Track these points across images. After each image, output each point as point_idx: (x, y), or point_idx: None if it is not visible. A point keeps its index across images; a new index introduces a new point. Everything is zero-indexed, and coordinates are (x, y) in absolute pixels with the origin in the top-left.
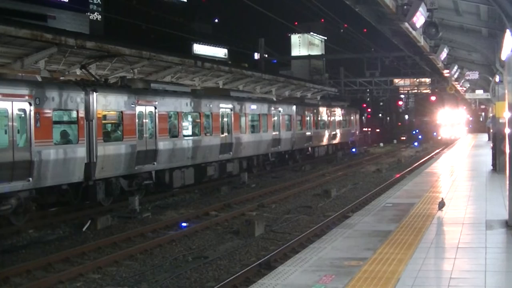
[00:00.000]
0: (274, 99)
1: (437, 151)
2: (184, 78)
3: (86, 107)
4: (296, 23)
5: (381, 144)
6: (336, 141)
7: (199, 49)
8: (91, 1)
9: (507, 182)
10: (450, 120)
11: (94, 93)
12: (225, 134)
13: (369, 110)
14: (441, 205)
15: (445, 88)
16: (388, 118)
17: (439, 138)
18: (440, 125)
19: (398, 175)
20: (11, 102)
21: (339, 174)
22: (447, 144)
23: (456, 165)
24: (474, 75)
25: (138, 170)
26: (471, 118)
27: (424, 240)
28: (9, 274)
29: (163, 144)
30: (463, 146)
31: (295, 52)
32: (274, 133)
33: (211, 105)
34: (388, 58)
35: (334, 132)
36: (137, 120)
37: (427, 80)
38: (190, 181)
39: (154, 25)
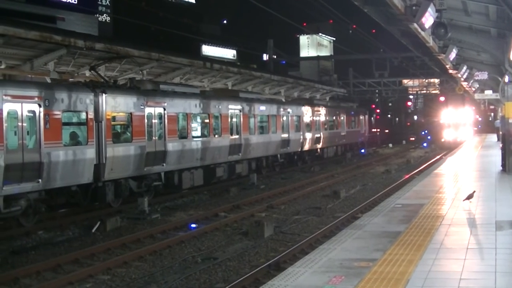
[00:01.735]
0: (283, 100)
1: (446, 151)
2: (193, 79)
3: (95, 108)
4: (304, 24)
5: (390, 145)
6: (345, 142)
7: (208, 50)
8: (100, 3)
9: None
10: (454, 120)
11: (103, 94)
12: (234, 135)
13: (378, 110)
14: (470, 196)
15: (454, 89)
16: (397, 118)
17: (443, 140)
18: (444, 126)
19: (407, 176)
20: (20, 104)
21: (348, 175)
22: (450, 149)
23: (465, 165)
24: (483, 76)
25: (147, 171)
26: (480, 119)
27: (434, 241)
28: (19, 275)
29: (172, 146)
30: (472, 147)
31: (303, 53)
32: (283, 134)
33: (220, 106)
34: (397, 58)
35: (343, 133)
36: (146, 122)
37: (436, 80)
38: (199, 182)
39: (163, 27)
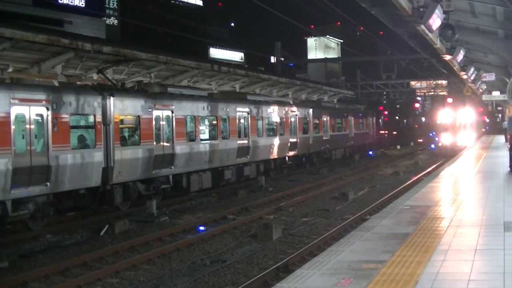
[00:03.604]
0: (291, 102)
1: (454, 153)
2: (200, 82)
3: (103, 111)
4: (312, 26)
5: (398, 147)
6: (353, 143)
7: (216, 53)
8: (108, 6)
9: None
10: (453, 122)
11: (111, 97)
12: (242, 137)
13: (385, 112)
14: None
15: (461, 90)
16: (404, 120)
17: (440, 145)
18: (442, 128)
19: (415, 178)
20: (28, 107)
21: (356, 177)
22: (447, 157)
23: (473, 167)
24: (490, 77)
25: (156, 174)
26: (487, 120)
27: (442, 242)
28: (27, 279)
29: (180, 148)
30: (480, 148)
31: (311, 55)
32: (291, 136)
33: (228, 109)
34: (404, 60)
35: (351, 135)
36: (154, 124)
37: (444, 82)
38: (207, 185)
39: (170, 30)
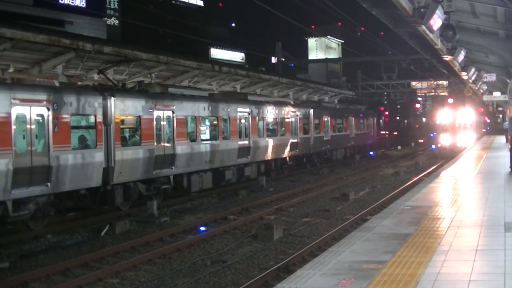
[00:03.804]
0: (292, 102)
1: (454, 154)
2: (201, 82)
3: (104, 112)
4: (313, 26)
5: (399, 147)
6: (354, 144)
7: (216, 53)
8: (108, 6)
9: None
10: (451, 122)
11: (112, 97)
12: (243, 138)
13: (386, 113)
14: None
15: (462, 90)
16: (405, 121)
17: (439, 145)
18: (441, 129)
19: (416, 178)
20: (29, 107)
21: (357, 177)
22: (446, 158)
23: (474, 167)
24: (491, 77)
25: (156, 175)
26: (488, 120)
27: (443, 242)
28: (28, 279)
29: (181, 149)
30: (480, 149)
31: (312, 55)
32: (291, 136)
33: (228, 109)
34: (405, 61)
35: (352, 136)
36: (155, 125)
37: (445, 82)
38: (208, 185)
39: (171, 30)
